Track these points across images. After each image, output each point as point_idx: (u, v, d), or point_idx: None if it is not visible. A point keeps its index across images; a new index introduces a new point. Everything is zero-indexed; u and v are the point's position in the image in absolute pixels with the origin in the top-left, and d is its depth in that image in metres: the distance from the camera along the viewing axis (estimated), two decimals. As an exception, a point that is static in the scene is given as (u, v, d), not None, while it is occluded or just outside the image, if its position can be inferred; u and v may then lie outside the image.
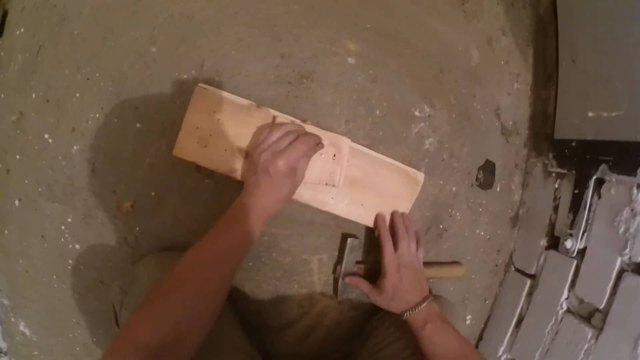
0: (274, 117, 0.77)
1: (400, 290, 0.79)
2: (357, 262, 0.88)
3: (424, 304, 0.77)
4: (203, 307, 0.58)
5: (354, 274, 0.87)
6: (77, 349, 0.85)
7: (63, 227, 0.78)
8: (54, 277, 0.80)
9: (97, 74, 0.74)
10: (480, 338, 1.07)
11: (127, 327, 0.52)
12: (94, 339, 0.85)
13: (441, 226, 0.96)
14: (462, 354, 0.72)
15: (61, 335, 0.84)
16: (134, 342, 0.49)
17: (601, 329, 0.78)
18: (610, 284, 0.79)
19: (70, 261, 0.80)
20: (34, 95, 0.74)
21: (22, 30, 0.74)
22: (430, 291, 0.84)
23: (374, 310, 0.91)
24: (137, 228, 0.79)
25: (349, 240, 0.86)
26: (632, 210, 0.78)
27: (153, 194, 0.78)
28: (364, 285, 0.84)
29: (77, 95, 0.74)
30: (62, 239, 0.78)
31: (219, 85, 0.77)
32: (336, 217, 0.85)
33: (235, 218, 0.66)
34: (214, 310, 0.59)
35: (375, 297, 0.82)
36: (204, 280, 0.58)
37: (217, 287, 0.60)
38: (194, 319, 0.55)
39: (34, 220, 0.78)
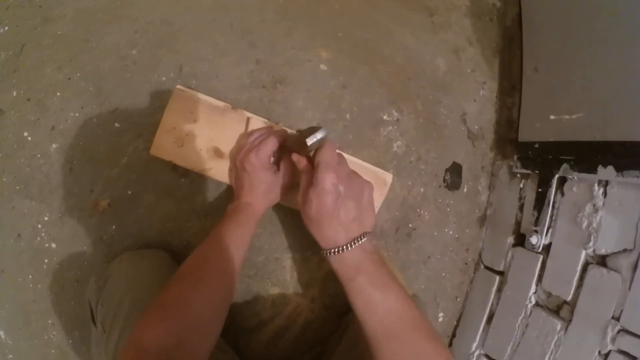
0: (248, 119, 0.80)
1: (328, 214, 0.57)
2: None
3: (356, 245, 0.56)
4: (208, 306, 0.57)
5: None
6: (52, 351, 0.84)
7: (39, 226, 0.78)
8: (30, 277, 0.80)
9: (78, 74, 0.77)
10: (453, 335, 1.08)
11: (133, 335, 0.51)
12: (70, 341, 0.84)
13: (410, 225, 0.98)
14: (402, 317, 0.54)
15: (36, 337, 0.83)
16: (141, 350, 0.48)
17: (570, 320, 0.80)
18: (576, 277, 0.81)
19: (46, 260, 0.79)
20: (15, 94, 0.75)
21: (6, 28, 0.75)
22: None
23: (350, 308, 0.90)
24: (114, 227, 0.80)
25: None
26: (593, 205, 0.81)
27: (129, 192, 0.80)
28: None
29: (58, 94, 0.76)
30: (38, 238, 0.78)
31: (196, 88, 0.80)
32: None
33: (227, 222, 0.67)
34: (220, 309, 0.59)
35: (300, 205, 0.62)
36: (206, 278, 0.58)
37: (218, 285, 0.60)
38: (201, 318, 0.55)
39: (10, 219, 0.77)
